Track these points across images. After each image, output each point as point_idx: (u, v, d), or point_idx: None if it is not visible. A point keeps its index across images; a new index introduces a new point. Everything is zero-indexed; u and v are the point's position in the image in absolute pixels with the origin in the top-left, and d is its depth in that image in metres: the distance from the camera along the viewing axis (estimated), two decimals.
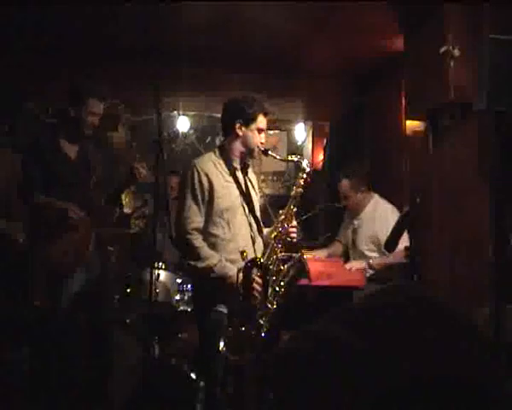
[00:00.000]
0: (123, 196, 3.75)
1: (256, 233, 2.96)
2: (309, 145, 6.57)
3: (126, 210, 4.91)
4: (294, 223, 2.95)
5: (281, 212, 2.96)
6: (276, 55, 4.77)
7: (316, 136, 6.47)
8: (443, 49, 3.43)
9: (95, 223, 3.39)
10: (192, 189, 2.85)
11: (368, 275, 3.92)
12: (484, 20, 3.30)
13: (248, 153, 2.99)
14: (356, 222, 4.20)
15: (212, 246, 2.83)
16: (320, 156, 6.25)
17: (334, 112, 5.63)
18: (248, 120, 2.93)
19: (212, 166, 2.92)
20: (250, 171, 3.12)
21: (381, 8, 3.89)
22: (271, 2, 3.86)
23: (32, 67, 4.60)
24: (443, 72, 3.43)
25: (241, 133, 2.94)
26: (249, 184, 3.04)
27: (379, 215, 4.07)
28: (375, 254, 3.99)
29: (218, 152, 3.00)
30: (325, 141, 6.09)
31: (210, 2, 3.90)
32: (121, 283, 4.23)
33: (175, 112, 5.90)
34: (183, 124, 6.48)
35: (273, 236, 2.90)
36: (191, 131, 6.86)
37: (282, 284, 2.82)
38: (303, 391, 0.90)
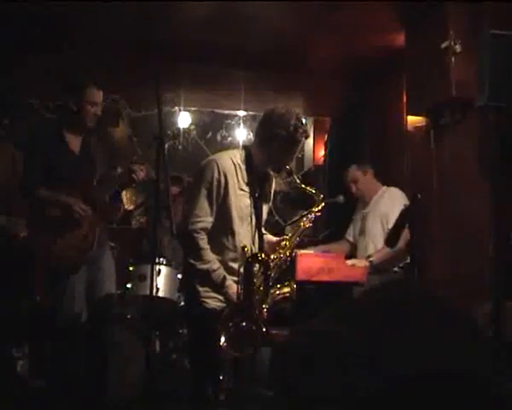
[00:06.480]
0: (123, 193, 3.71)
1: (256, 249, 2.90)
2: (310, 141, 6.56)
3: (127, 206, 4.91)
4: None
5: (285, 237, 2.92)
6: (276, 52, 4.76)
7: (317, 131, 6.47)
8: (444, 45, 3.42)
9: (99, 220, 3.33)
10: (209, 186, 2.73)
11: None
12: (485, 15, 3.28)
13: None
14: (365, 210, 4.23)
15: (211, 244, 2.79)
16: (321, 152, 6.24)
17: (334, 108, 5.61)
18: None
19: (231, 168, 2.78)
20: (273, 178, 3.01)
21: (382, 5, 3.88)
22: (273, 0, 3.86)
23: (32, 62, 4.59)
24: (444, 68, 3.41)
25: None
26: (263, 195, 2.93)
27: (388, 195, 4.13)
28: (383, 234, 3.97)
29: (243, 155, 2.85)
30: (326, 136, 6.07)
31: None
32: (122, 278, 4.22)
33: (176, 107, 5.88)
34: (184, 120, 6.47)
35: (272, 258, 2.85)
36: (192, 127, 6.85)
37: (267, 303, 2.77)
38: (302, 386, 0.90)
